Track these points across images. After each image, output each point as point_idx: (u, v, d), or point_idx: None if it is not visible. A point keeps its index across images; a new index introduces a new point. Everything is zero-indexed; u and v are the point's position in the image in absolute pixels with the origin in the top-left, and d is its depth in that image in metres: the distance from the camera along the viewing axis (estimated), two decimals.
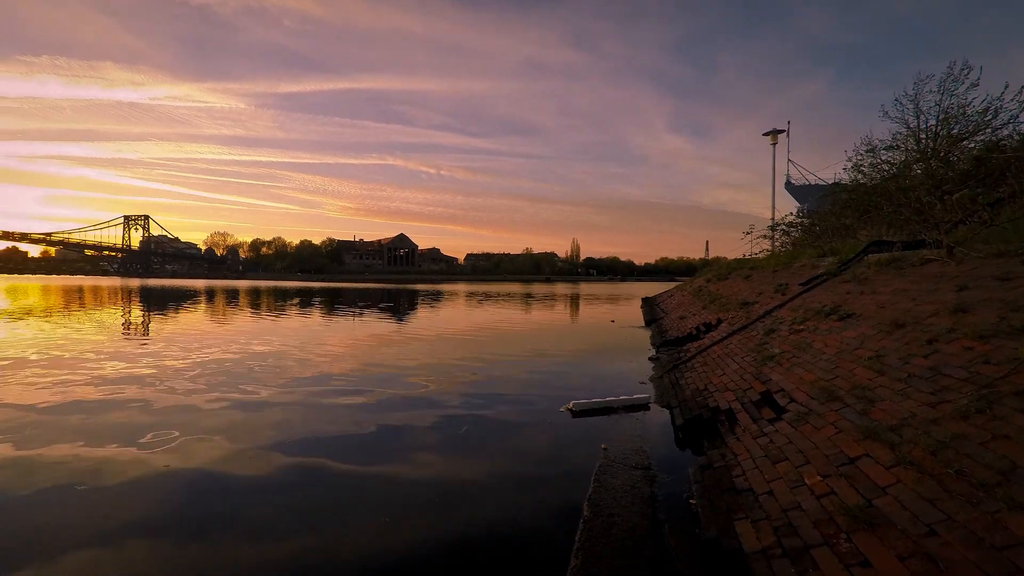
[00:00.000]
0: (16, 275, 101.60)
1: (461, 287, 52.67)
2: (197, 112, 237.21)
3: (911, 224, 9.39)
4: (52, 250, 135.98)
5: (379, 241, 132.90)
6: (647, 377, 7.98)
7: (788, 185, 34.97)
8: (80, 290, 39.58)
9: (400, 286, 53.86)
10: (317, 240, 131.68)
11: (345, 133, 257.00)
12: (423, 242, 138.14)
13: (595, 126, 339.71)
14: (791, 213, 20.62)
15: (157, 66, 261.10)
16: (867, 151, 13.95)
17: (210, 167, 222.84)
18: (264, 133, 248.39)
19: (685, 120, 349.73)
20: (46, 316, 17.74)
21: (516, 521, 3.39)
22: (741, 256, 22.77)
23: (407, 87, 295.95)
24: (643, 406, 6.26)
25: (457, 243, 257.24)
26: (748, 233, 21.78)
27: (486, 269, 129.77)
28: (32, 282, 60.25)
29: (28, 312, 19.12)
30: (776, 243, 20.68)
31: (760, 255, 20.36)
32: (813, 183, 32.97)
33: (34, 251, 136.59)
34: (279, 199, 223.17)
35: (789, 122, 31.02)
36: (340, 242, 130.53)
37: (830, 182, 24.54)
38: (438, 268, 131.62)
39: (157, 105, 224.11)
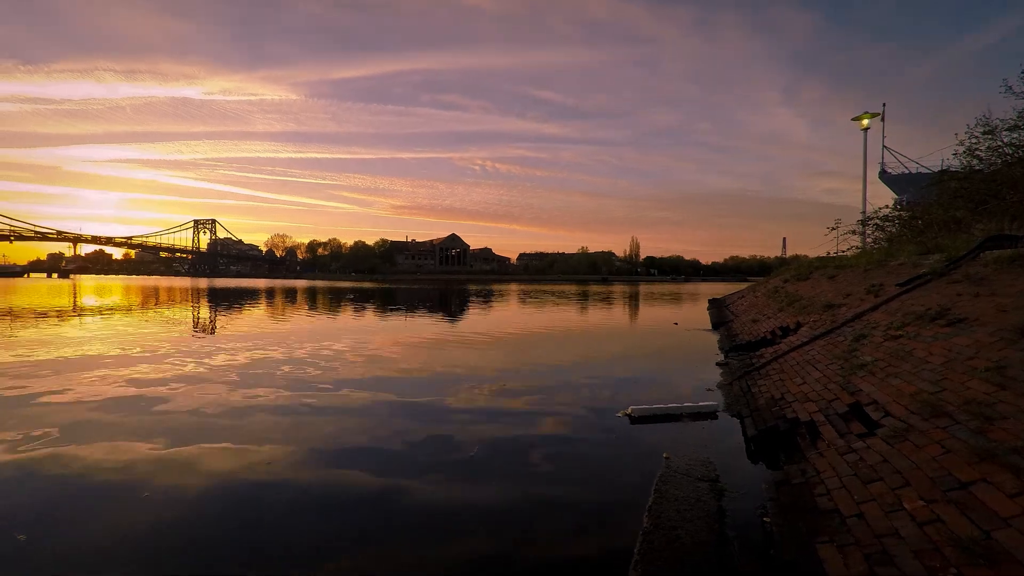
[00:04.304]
0: (103, 275, 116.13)
1: (513, 287, 53.05)
2: (249, 106, 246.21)
3: None
4: (132, 252, 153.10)
5: (431, 241, 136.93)
6: (714, 384, 7.64)
7: (883, 175, 32.10)
8: (156, 290, 44.10)
9: (448, 286, 55.12)
10: (370, 240, 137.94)
11: (400, 123, 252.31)
12: (475, 241, 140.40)
13: (676, 105, 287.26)
14: (887, 206, 18.86)
15: (207, 55, 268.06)
16: (984, 133, 12.56)
17: (267, 166, 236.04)
18: (318, 127, 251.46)
19: (804, 95, 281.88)
20: (129, 313, 19.91)
21: (566, 530, 3.36)
22: (825, 254, 21.19)
23: (462, 65, 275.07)
24: (710, 414, 6.00)
25: (510, 241, 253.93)
26: (833, 228, 20.16)
27: (539, 269, 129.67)
28: (115, 282, 68.10)
29: (111, 309, 21.55)
30: (868, 239, 19.05)
31: (848, 252, 18.85)
32: (914, 172, 30.10)
33: (117, 253, 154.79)
34: (335, 199, 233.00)
35: (884, 104, 28.40)
36: (393, 243, 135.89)
37: (935, 170, 22.30)
38: (490, 268, 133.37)
39: (211, 100, 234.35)
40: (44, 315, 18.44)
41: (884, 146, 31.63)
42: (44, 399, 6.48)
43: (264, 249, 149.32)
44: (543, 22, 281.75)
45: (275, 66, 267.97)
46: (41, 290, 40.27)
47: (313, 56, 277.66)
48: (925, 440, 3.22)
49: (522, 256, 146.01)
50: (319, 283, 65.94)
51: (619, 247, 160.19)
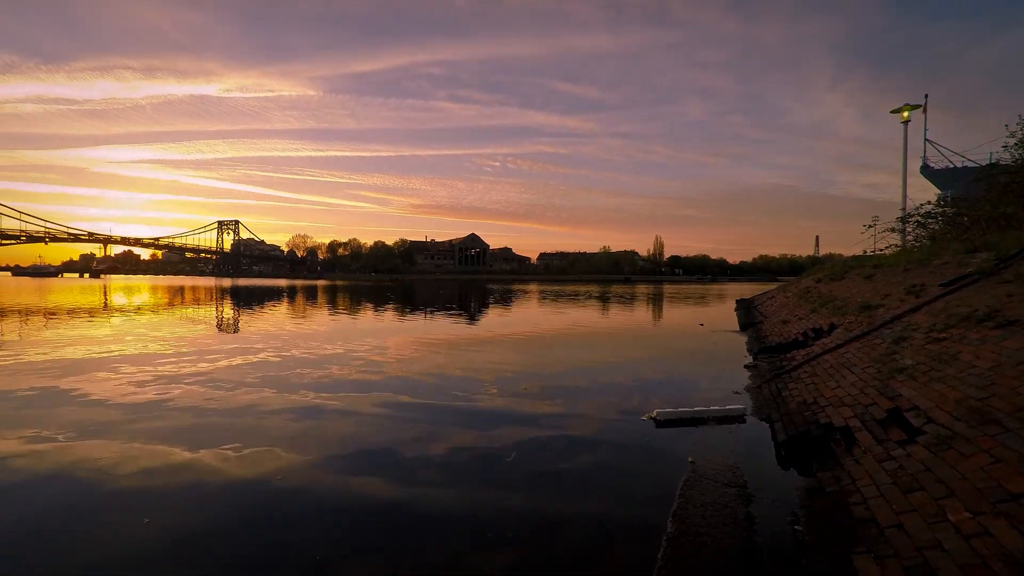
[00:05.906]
0: (132, 275, 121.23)
1: (533, 287, 52.93)
2: (267, 103, 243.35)
3: None
4: (159, 253, 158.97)
5: (450, 241, 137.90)
6: (742, 387, 7.47)
7: (925, 169, 30.91)
8: (183, 289, 45.55)
9: (468, 286, 55.33)
10: (390, 240, 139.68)
11: (419, 118, 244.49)
12: (495, 240, 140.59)
13: (708, 95, 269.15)
14: (929, 202, 18.09)
15: (223, 50, 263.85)
16: None
17: (286, 165, 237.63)
18: (336, 123, 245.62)
19: (853, 81, 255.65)
20: (158, 311, 20.61)
21: (590, 535, 3.33)
22: (861, 252, 20.50)
23: (482, 55, 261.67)
24: (738, 418, 5.88)
25: (530, 241, 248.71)
26: (871, 226, 19.46)
27: (560, 268, 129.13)
28: (144, 282, 70.79)
29: (137, 309, 22.33)
30: (908, 237, 18.34)
31: (886, 251, 18.20)
32: (959, 165, 28.90)
33: (144, 254, 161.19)
34: (355, 198, 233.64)
35: (927, 96, 27.29)
36: (412, 243, 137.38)
37: (983, 163, 21.35)
38: (510, 268, 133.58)
39: (229, 98, 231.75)
40: (77, 313, 19.29)
41: (926, 139, 30.49)
42: (61, 398, 6.72)
43: (286, 249, 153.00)
44: (566, 5, 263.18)
45: (291, 59, 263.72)
46: (75, 290, 42.09)
47: (329, 48, 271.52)
48: (972, 448, 3.08)
49: (543, 256, 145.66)
50: (339, 283, 67.06)
51: (642, 246, 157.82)
